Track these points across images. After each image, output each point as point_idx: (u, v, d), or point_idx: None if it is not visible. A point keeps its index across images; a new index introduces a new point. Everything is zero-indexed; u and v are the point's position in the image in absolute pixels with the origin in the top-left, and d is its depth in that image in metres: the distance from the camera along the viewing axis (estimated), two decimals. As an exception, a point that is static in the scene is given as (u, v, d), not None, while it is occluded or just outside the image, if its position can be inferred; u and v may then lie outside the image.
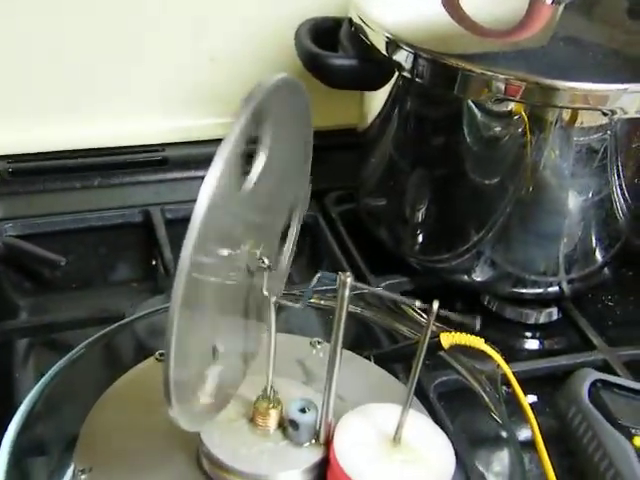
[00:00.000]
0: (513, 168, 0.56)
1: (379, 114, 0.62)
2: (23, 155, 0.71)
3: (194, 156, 0.75)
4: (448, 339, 0.44)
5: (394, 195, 0.63)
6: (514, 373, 0.44)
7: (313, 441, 0.37)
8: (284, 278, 0.39)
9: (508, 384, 0.45)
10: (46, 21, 0.68)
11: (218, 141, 0.78)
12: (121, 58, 0.71)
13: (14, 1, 0.66)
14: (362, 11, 0.59)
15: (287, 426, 0.37)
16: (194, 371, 0.32)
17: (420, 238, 0.63)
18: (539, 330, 0.64)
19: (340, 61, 0.58)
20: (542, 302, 0.64)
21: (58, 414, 0.43)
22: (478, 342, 0.44)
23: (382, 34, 0.56)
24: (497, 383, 0.44)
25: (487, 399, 0.44)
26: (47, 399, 0.41)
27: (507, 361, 0.47)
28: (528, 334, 0.64)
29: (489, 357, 0.44)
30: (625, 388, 0.47)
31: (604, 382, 0.47)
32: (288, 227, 0.38)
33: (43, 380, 0.41)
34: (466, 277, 0.61)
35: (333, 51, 0.59)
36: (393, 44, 0.56)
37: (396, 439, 0.36)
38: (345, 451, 0.35)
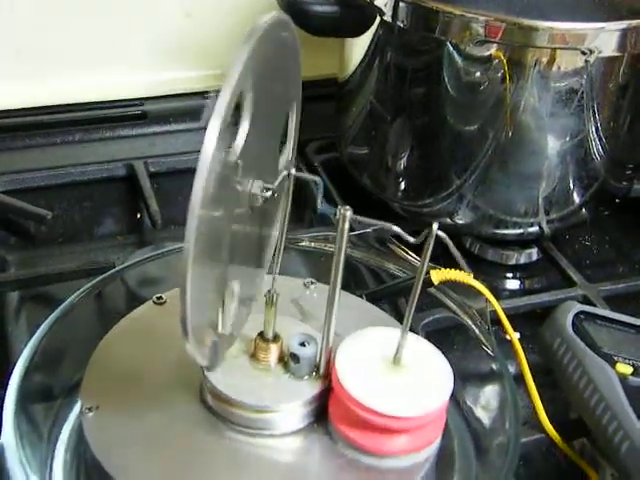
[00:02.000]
0: (493, 112, 0.57)
1: (360, 63, 0.63)
2: (2, 112, 0.71)
3: (173, 109, 0.75)
4: (438, 275, 0.45)
5: (376, 143, 0.64)
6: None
7: (314, 374, 0.38)
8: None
9: (496, 320, 0.46)
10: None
11: (198, 94, 0.78)
12: (99, 12, 0.71)
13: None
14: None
15: (288, 360, 0.38)
16: (209, 308, 0.33)
17: (403, 184, 0.64)
18: (520, 270, 0.66)
19: (321, 8, 0.58)
20: (523, 243, 0.65)
21: (59, 360, 0.44)
22: (467, 278, 0.45)
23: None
24: (486, 317, 0.46)
25: (477, 332, 0.45)
26: (46, 347, 0.42)
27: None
28: (510, 275, 0.66)
29: (478, 293, 0.45)
30: (607, 319, 0.49)
31: (587, 314, 0.49)
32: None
33: (42, 327, 0.42)
34: (449, 220, 0.63)
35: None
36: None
37: (396, 360, 0.37)
38: (347, 372, 0.36)
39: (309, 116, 0.74)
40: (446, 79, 0.57)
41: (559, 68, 0.55)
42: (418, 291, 0.36)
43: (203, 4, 0.74)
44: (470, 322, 0.46)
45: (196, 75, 0.76)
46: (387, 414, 0.35)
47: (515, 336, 0.46)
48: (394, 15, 0.56)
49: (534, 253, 0.66)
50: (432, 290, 0.47)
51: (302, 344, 0.38)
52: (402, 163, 0.62)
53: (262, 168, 0.36)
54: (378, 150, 0.64)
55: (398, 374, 0.37)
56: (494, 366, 0.45)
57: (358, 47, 0.62)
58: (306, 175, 0.36)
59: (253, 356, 0.39)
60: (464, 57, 0.56)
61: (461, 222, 0.63)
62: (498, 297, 0.60)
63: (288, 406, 0.37)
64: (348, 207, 0.34)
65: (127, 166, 0.68)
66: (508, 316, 0.46)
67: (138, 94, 0.74)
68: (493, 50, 0.55)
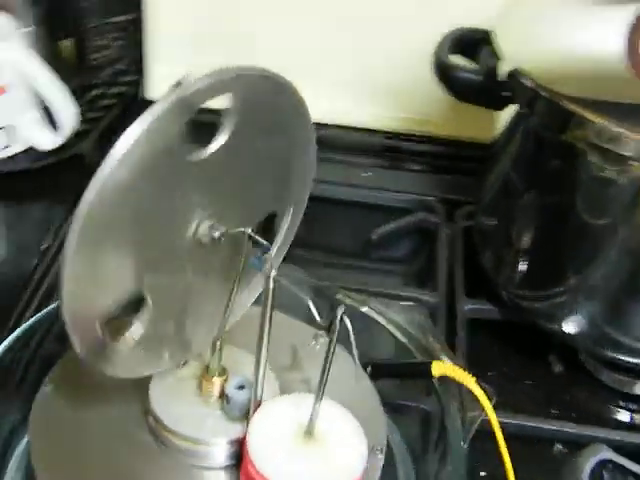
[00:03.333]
0: (627, 212, 0.52)
1: (503, 132, 0.61)
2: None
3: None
4: (439, 368, 0.43)
5: (502, 218, 0.61)
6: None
7: (245, 417, 0.39)
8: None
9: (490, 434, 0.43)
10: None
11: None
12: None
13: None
14: (501, 31, 0.58)
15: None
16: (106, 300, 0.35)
17: (518, 268, 0.60)
18: (636, 402, 0.59)
19: (465, 75, 0.58)
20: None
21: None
22: (469, 381, 0.43)
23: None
24: (471, 427, 0.42)
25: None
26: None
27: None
28: (621, 403, 0.59)
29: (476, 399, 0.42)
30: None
31: (615, 464, 0.43)
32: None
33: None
34: (557, 326, 0.58)
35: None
36: (514, 73, 0.54)
37: (308, 431, 0.37)
38: (258, 447, 0.37)
39: (463, 178, 0.73)
40: (579, 168, 0.53)
41: None
42: (327, 367, 0.35)
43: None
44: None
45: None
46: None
47: (507, 459, 0.42)
48: (529, 104, 0.54)
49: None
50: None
51: (240, 387, 0.39)
52: (521, 245, 0.59)
53: (226, 212, 0.37)
54: (502, 226, 0.61)
55: (310, 447, 0.37)
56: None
57: (506, 116, 0.60)
58: (261, 240, 0.36)
59: (200, 383, 0.40)
60: (599, 155, 0.52)
61: (571, 332, 0.57)
62: (604, 424, 0.55)
63: (213, 441, 0.39)
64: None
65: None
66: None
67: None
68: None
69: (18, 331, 0.44)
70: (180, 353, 0.40)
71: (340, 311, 0.34)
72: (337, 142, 0.77)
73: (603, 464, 0.43)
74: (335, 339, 0.35)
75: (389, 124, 0.80)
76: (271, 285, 0.35)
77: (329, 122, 0.78)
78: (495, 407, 0.42)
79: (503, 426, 0.41)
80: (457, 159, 0.77)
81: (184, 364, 0.41)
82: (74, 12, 0.86)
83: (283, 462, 0.36)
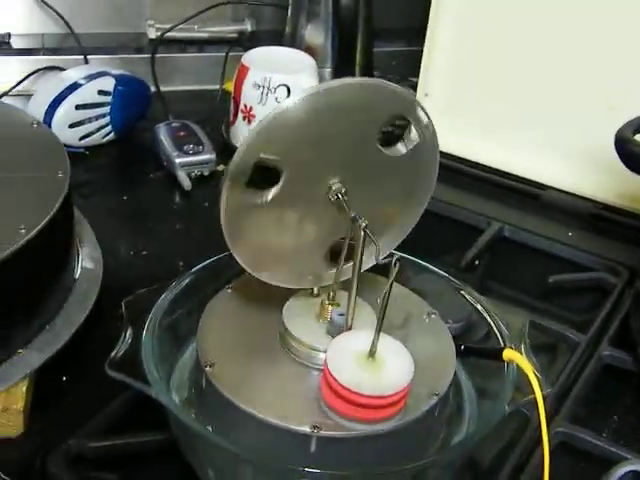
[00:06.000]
0: None
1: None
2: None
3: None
4: (509, 354, 0.53)
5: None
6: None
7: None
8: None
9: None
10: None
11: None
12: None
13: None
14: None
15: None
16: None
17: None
18: None
19: (636, 149, 0.65)
20: None
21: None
22: (528, 368, 0.52)
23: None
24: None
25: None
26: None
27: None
28: None
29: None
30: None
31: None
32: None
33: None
34: None
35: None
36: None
37: (370, 353, 0.50)
38: (333, 358, 0.49)
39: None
40: None
41: None
42: (384, 304, 0.48)
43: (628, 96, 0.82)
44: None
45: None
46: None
47: (545, 426, 0.50)
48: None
49: None
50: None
51: (341, 314, 0.53)
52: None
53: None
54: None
55: (369, 364, 0.49)
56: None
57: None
58: (372, 237, 0.49)
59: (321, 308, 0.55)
60: None
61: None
62: None
63: (318, 348, 0.52)
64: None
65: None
66: None
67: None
68: None
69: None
70: (314, 280, 0.55)
71: (395, 257, 0.47)
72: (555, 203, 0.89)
73: (636, 476, 0.48)
74: (392, 281, 0.47)
75: (600, 195, 0.88)
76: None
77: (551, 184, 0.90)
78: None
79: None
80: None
81: (316, 294, 0.56)
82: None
83: (349, 370, 0.49)
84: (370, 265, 0.55)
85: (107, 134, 0.94)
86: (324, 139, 0.49)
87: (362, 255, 0.50)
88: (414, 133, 0.52)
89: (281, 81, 0.87)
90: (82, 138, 0.92)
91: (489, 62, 0.92)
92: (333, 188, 0.51)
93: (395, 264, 0.47)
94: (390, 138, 0.53)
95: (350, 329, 0.52)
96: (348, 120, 0.49)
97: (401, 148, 0.52)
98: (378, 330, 0.49)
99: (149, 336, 0.54)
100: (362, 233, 0.49)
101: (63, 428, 0.56)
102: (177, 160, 0.88)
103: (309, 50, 0.99)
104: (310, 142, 0.48)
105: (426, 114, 0.51)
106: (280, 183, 0.50)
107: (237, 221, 0.50)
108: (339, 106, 0.48)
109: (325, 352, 0.51)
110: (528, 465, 0.57)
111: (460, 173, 0.94)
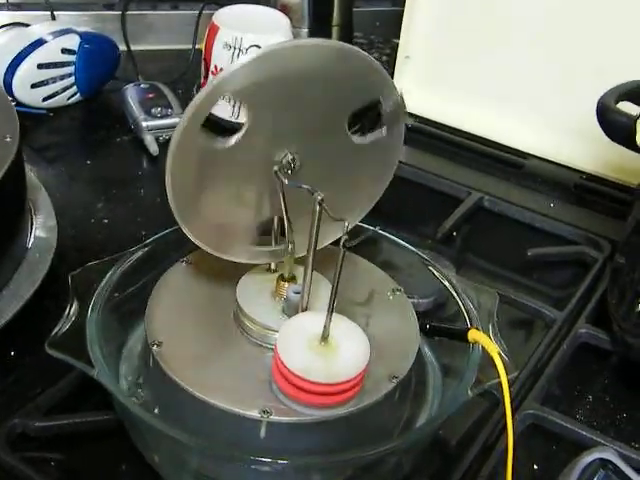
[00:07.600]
0: None
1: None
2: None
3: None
4: (474, 335, 0.50)
5: (630, 257, 0.63)
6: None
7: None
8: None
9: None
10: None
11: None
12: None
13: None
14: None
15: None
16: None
17: (636, 309, 0.62)
18: None
19: (617, 117, 0.62)
20: None
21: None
22: (493, 350, 0.49)
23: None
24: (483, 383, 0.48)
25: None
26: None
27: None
28: None
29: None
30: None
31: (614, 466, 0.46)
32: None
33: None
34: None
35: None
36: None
37: (323, 337, 0.46)
38: (284, 341, 0.46)
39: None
40: None
41: None
42: (336, 284, 0.44)
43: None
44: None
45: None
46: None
47: (509, 408, 0.47)
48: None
49: None
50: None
51: (296, 292, 0.50)
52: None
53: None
54: (628, 265, 0.63)
55: (321, 348, 0.46)
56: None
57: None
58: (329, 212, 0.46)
59: (276, 286, 0.52)
60: None
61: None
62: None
63: (273, 327, 0.49)
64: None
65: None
66: None
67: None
68: None
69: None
70: (271, 255, 0.52)
71: (345, 224, 0.43)
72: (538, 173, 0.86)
73: (604, 464, 0.46)
74: (343, 255, 0.44)
75: (584, 165, 0.85)
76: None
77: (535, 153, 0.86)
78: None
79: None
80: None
81: (274, 269, 0.53)
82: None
83: (299, 354, 0.46)
84: (333, 239, 0.52)
85: (72, 95, 0.89)
86: (291, 100, 0.46)
87: (318, 229, 0.47)
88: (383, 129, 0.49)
89: (253, 41, 0.83)
90: (46, 99, 0.88)
91: (473, 26, 0.87)
92: (289, 157, 0.48)
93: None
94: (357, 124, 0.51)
95: (306, 309, 0.49)
96: (316, 87, 0.45)
97: (366, 138, 0.50)
98: (330, 312, 0.45)
99: (94, 313, 0.51)
100: (317, 206, 0.46)
101: (8, 406, 0.54)
102: (144, 123, 0.84)
103: (284, 9, 0.94)
104: (276, 98, 0.45)
105: (400, 96, 0.49)
106: (242, 131, 0.46)
107: (185, 174, 0.46)
108: (308, 68, 0.44)
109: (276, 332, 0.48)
110: (497, 444, 0.54)
111: (441, 140, 0.91)
